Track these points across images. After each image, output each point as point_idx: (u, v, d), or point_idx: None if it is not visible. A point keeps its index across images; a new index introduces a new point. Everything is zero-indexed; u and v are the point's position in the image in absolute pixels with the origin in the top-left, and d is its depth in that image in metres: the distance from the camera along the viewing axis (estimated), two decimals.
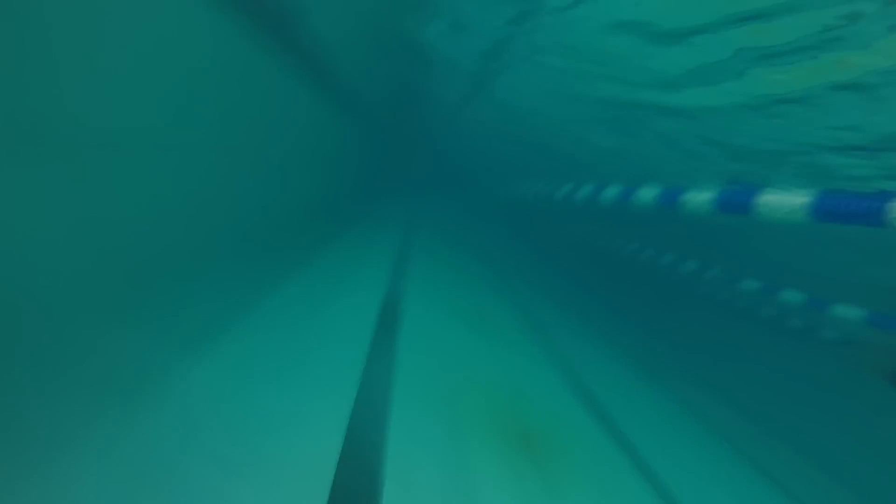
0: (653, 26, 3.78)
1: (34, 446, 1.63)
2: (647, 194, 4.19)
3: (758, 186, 2.88)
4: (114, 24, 2.18)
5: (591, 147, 8.04)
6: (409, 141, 20.33)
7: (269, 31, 3.63)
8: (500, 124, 9.85)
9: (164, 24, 2.58)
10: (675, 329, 11.67)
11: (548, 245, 21.35)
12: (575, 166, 10.02)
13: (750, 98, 4.06)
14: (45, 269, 2.05)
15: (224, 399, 2.18)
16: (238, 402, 2.20)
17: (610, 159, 8.28)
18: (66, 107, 2.02)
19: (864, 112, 3.42)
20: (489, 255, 12.82)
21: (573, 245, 19.98)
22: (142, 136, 2.64)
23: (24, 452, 1.59)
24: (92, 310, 2.25)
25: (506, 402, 3.42)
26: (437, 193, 25.45)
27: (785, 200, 2.61)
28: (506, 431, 3.00)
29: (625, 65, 4.60)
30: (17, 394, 1.73)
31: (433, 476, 2.26)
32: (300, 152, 5.71)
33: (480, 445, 2.71)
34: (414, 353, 3.58)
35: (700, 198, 3.34)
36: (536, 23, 4.72)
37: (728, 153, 5.42)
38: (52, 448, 1.65)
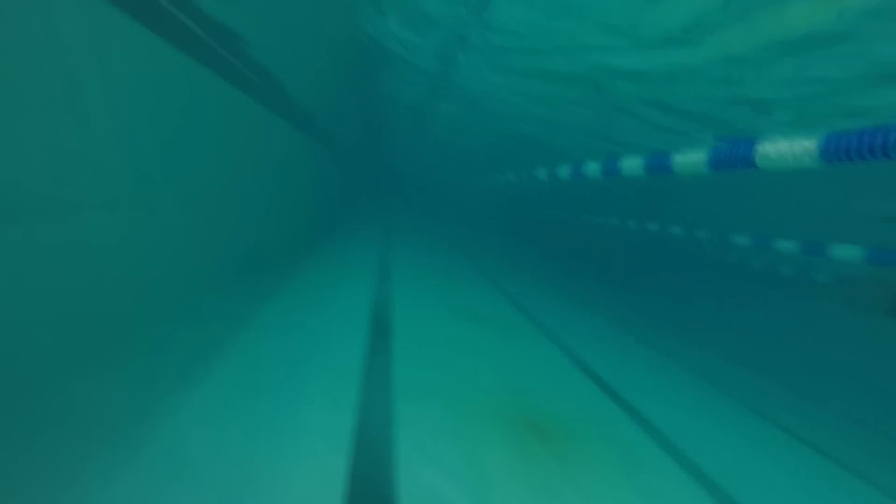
0: None
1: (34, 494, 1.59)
2: (634, 164, 4.03)
3: (751, 139, 2.74)
4: (89, 81, 2.21)
5: (563, 128, 7.92)
6: (376, 155, 20.14)
7: (255, 87, 4.20)
8: (466, 119, 9.69)
9: (149, 80, 2.71)
10: (672, 294, 11.64)
11: (532, 233, 21.37)
12: (548, 151, 9.91)
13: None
14: (26, 325, 2.04)
15: (224, 421, 2.16)
16: (238, 422, 2.18)
17: (583, 138, 8.18)
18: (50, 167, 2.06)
19: None
20: (470, 251, 12.69)
21: (556, 229, 20.00)
22: (128, 186, 2.69)
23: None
24: (78, 356, 2.26)
25: (510, 393, 3.36)
26: (411, 200, 25.32)
27: (788, 148, 2.46)
28: (515, 423, 2.92)
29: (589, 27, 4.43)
30: (5, 451, 1.70)
31: (447, 476, 2.21)
32: (280, 180, 5.90)
33: (492, 441, 2.62)
34: (409, 352, 3.57)
35: (692, 158, 3.19)
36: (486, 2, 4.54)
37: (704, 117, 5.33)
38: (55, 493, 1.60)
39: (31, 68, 1.92)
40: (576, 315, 7.45)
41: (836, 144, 2.17)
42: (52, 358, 2.14)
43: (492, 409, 3.00)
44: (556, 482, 2.43)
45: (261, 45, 4.01)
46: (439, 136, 12.63)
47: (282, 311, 3.75)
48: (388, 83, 8.58)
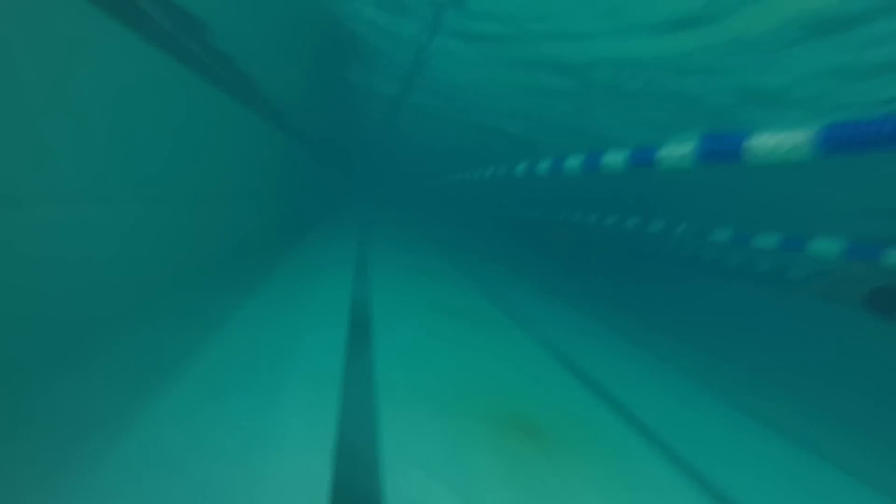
0: None
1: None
2: (616, 158, 3.85)
3: (743, 132, 2.58)
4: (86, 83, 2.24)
5: (546, 121, 7.73)
6: (352, 150, 19.77)
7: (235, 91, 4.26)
8: (441, 112, 9.43)
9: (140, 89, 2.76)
10: (652, 291, 11.69)
11: (512, 230, 21.32)
12: (529, 145, 9.73)
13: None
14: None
15: (199, 420, 2.04)
16: (213, 422, 2.05)
17: (565, 134, 8.02)
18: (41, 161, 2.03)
19: None
20: (449, 247, 12.56)
21: (535, 226, 19.97)
22: (117, 186, 2.70)
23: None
24: (50, 355, 2.18)
25: (494, 391, 3.25)
26: (386, 195, 25.10)
27: (781, 140, 2.30)
28: (502, 422, 2.81)
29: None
30: None
31: (434, 478, 2.09)
32: (252, 175, 5.87)
33: (479, 441, 2.51)
34: (389, 350, 3.48)
35: (679, 151, 3.02)
36: None
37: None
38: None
39: None
40: (557, 311, 7.41)
41: (830, 136, 2.01)
42: (21, 357, 2.06)
43: (477, 408, 2.89)
44: (545, 481, 2.33)
45: (226, 35, 3.81)
46: (416, 130, 12.37)
47: (258, 308, 3.62)
48: (362, 74, 8.28)
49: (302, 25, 6.01)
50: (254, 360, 2.75)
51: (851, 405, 6.18)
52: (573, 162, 4.90)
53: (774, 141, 2.28)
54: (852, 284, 7.55)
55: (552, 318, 6.70)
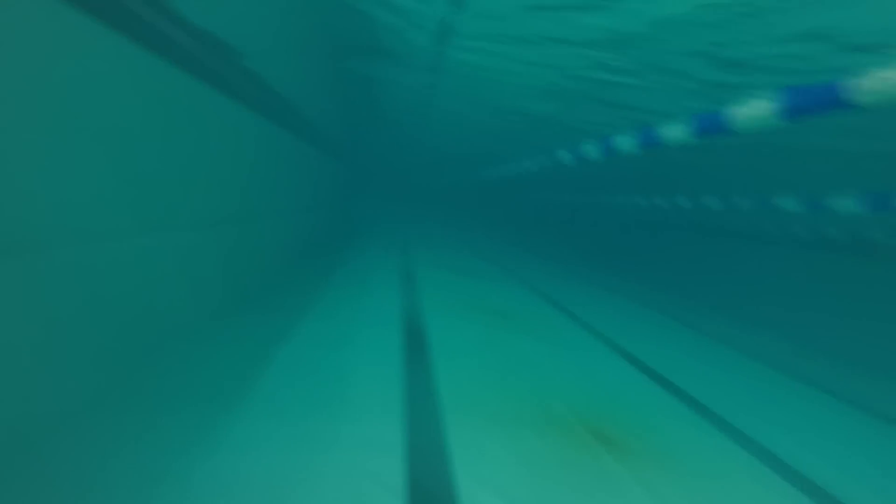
0: None
1: None
2: (626, 142, 4.31)
3: (721, 106, 2.96)
4: (77, 99, 2.13)
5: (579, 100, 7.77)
6: (379, 160, 20.43)
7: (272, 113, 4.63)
8: (470, 102, 9.55)
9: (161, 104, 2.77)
10: (718, 273, 10.97)
11: (543, 223, 21.37)
12: (556, 129, 9.71)
13: None
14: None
15: (270, 442, 2.07)
16: (285, 443, 2.10)
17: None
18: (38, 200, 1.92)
19: None
20: (490, 245, 12.84)
21: (565, 217, 20.02)
22: (148, 209, 2.72)
23: None
24: (108, 389, 2.19)
25: (561, 397, 3.12)
26: (419, 201, 25.49)
27: (753, 110, 2.70)
28: (576, 432, 2.68)
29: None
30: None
31: (510, 492, 2.05)
32: (298, 195, 6.17)
33: (556, 456, 2.40)
34: (449, 361, 3.40)
35: (676, 131, 3.46)
36: None
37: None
38: None
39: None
40: (618, 305, 7.16)
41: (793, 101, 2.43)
42: (84, 392, 2.07)
43: (547, 418, 2.77)
44: (633, 498, 2.19)
45: (258, 57, 4.06)
46: (447, 127, 12.46)
47: (313, 324, 3.68)
48: (386, 69, 8.56)
49: (319, 27, 6.31)
50: (316, 376, 2.78)
51: None
52: (590, 149, 5.34)
53: (747, 113, 2.71)
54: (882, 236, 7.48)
55: (614, 314, 6.44)
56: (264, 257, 4.99)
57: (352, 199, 14.40)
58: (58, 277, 2.02)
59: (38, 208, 1.94)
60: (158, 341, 2.75)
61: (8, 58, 1.75)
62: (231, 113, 3.85)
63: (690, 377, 4.14)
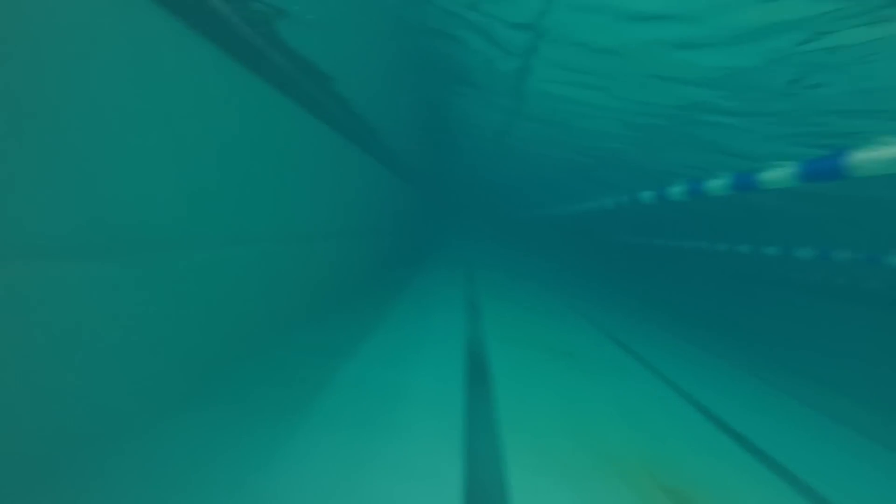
0: None
1: None
2: (717, 184, 4.12)
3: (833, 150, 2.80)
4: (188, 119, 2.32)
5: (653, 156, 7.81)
6: (453, 190, 20.85)
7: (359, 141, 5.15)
8: (546, 139, 9.68)
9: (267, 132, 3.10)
10: (784, 326, 10.61)
11: (614, 263, 20.70)
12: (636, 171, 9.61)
13: None
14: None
15: (334, 458, 2.12)
16: (347, 460, 2.14)
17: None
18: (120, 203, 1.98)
19: None
20: (557, 281, 12.57)
21: (637, 257, 19.29)
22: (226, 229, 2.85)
23: None
24: (172, 399, 2.23)
25: (631, 448, 2.99)
26: (490, 231, 25.56)
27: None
28: (646, 487, 2.57)
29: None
30: None
31: None
32: (375, 217, 6.55)
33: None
34: (510, 398, 3.34)
35: (778, 174, 3.25)
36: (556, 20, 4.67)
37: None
38: None
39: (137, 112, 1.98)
40: (685, 351, 6.90)
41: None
42: (151, 402, 2.12)
43: (613, 468, 2.66)
44: None
45: (347, 83, 4.22)
46: (520, 161, 12.63)
47: (378, 344, 3.77)
48: (465, 104, 8.84)
49: (407, 54, 6.63)
50: (380, 396, 2.84)
51: None
52: (676, 190, 5.10)
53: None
54: None
55: (682, 360, 6.24)
56: (349, 272, 5.35)
57: (425, 227, 14.67)
58: (181, 279, 2.32)
59: (162, 217, 2.20)
60: (259, 341, 3.09)
61: (143, 83, 2.01)
62: (333, 141, 4.25)
63: (766, 434, 3.93)
